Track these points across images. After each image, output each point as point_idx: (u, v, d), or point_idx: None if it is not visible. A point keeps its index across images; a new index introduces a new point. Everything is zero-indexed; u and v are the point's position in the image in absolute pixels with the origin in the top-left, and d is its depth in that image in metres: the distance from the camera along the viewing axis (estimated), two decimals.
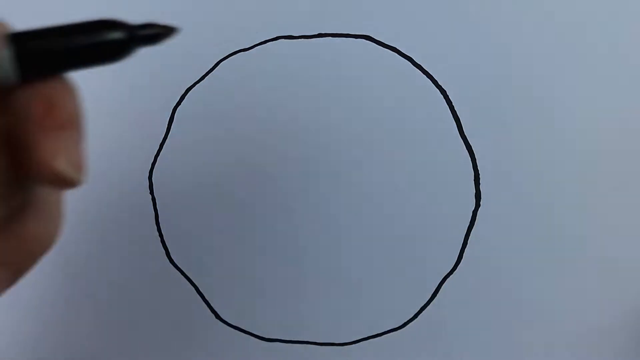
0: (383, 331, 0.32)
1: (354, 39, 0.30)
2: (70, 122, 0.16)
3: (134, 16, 0.32)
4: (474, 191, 0.31)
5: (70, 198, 0.20)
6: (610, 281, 0.31)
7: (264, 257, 0.32)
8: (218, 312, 0.33)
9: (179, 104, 0.32)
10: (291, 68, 0.31)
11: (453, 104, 0.30)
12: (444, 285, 0.32)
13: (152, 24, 0.19)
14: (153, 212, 0.32)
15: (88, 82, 0.32)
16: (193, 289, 0.32)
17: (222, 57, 0.31)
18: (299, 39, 0.31)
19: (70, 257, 0.32)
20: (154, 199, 0.32)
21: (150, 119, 0.32)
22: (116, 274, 0.32)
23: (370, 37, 0.30)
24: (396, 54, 0.30)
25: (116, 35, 0.18)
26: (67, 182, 0.16)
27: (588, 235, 0.31)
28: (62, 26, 0.17)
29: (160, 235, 0.32)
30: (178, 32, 0.20)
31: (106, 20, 0.18)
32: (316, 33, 0.31)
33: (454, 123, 0.30)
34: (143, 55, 0.33)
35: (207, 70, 0.32)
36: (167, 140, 0.32)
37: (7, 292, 0.18)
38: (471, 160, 0.31)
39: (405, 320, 0.32)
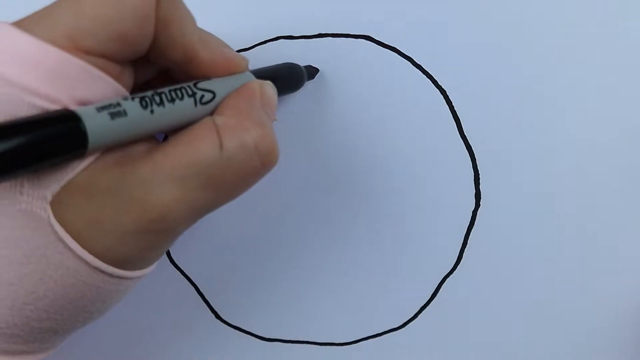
0: (383, 331, 0.32)
1: (354, 39, 0.30)
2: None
3: None
4: (474, 191, 0.31)
5: None
6: (610, 281, 0.31)
7: (264, 257, 0.32)
8: (218, 312, 0.33)
9: None
10: None
11: (453, 104, 0.30)
12: (444, 285, 0.32)
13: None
14: None
15: None
16: (193, 289, 0.32)
17: None
18: (299, 39, 0.31)
19: None
20: None
21: None
22: None
23: (370, 37, 0.30)
24: (396, 54, 0.30)
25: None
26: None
27: (588, 235, 0.31)
28: None
29: None
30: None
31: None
32: (316, 33, 0.31)
33: (454, 123, 0.30)
34: None
35: None
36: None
37: None
38: (471, 160, 0.31)
39: (405, 320, 0.32)
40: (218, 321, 0.33)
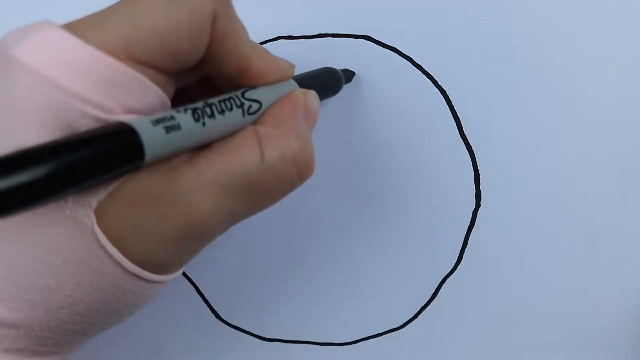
0: (383, 331, 0.32)
1: (354, 39, 0.30)
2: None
3: None
4: (474, 191, 0.31)
5: None
6: (610, 281, 0.31)
7: (264, 257, 0.32)
8: (218, 312, 0.33)
9: None
10: None
11: (453, 104, 0.30)
12: (444, 285, 0.32)
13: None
14: None
15: None
16: (193, 289, 0.32)
17: None
18: (299, 39, 0.31)
19: None
20: None
21: None
22: None
23: (370, 37, 0.30)
24: (396, 54, 0.30)
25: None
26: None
27: (588, 235, 0.31)
28: None
29: None
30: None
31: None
32: (316, 33, 0.31)
33: (454, 123, 0.30)
34: None
35: None
36: None
37: None
38: (471, 160, 0.31)
39: (405, 320, 0.32)
40: (218, 321, 0.33)
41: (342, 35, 0.30)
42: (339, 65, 0.30)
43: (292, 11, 0.31)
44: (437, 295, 0.32)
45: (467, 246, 0.31)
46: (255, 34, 0.31)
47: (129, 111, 0.18)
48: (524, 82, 0.30)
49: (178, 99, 0.21)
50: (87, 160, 0.16)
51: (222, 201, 0.19)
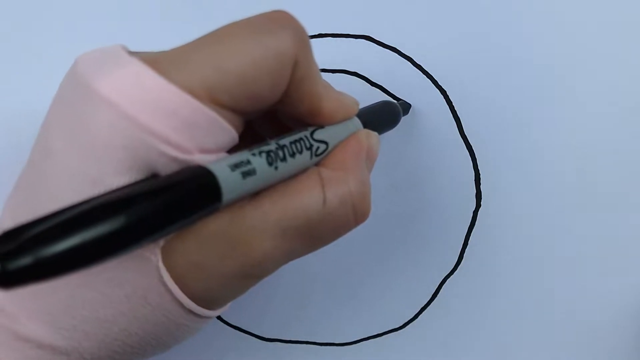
0: (383, 331, 0.32)
1: (354, 39, 0.30)
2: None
3: (136, 16, 0.32)
4: (475, 191, 0.31)
5: None
6: (610, 281, 0.31)
7: None
8: None
9: None
10: None
11: (453, 104, 0.30)
12: (444, 285, 0.32)
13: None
14: None
15: None
16: None
17: None
18: None
19: None
20: None
21: None
22: None
23: (370, 37, 0.30)
24: (396, 54, 0.30)
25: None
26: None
27: (588, 235, 0.31)
28: None
29: None
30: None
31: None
32: (316, 33, 0.31)
33: (454, 123, 0.30)
34: None
35: None
36: None
37: None
38: (471, 160, 0.31)
39: (406, 321, 0.32)
40: (218, 321, 0.33)
41: (342, 35, 0.31)
42: (340, 65, 0.30)
43: (292, 11, 0.31)
44: (438, 295, 0.32)
45: (467, 246, 0.31)
46: None
47: (203, 150, 0.18)
48: (524, 82, 0.30)
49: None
50: (168, 208, 0.16)
51: (281, 242, 0.20)
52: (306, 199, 0.20)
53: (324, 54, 0.31)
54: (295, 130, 0.21)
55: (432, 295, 0.32)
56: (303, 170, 0.21)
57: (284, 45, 0.19)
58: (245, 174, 0.18)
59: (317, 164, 0.22)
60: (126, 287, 0.18)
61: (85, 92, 0.18)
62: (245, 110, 0.19)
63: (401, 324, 0.32)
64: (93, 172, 0.17)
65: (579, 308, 0.31)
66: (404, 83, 0.30)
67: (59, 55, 0.31)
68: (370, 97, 0.31)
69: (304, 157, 0.21)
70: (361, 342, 0.32)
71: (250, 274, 0.20)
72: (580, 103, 0.30)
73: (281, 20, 0.20)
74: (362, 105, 0.24)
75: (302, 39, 0.20)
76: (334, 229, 0.21)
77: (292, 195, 0.20)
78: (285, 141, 0.20)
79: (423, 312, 0.32)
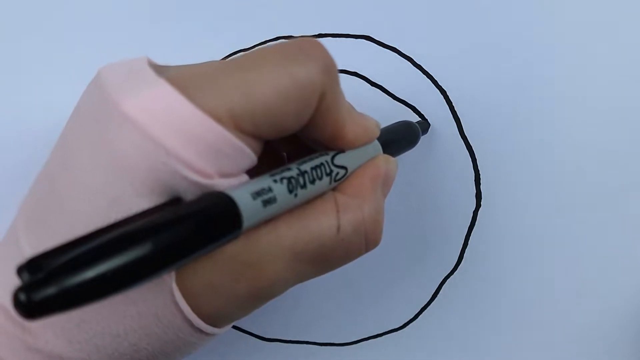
0: (383, 331, 0.32)
1: (354, 39, 0.30)
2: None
3: (135, 16, 0.32)
4: (475, 191, 0.31)
5: None
6: (610, 281, 0.31)
7: None
8: None
9: None
10: None
11: (453, 104, 0.30)
12: (444, 285, 0.32)
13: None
14: None
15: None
16: None
17: (222, 57, 0.31)
18: None
19: None
20: None
21: None
22: None
23: (370, 37, 0.30)
24: (396, 54, 0.30)
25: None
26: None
27: (588, 235, 0.31)
28: None
29: None
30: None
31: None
32: (316, 33, 0.31)
33: (454, 123, 0.30)
34: (143, 55, 0.33)
35: None
36: None
37: None
38: (471, 160, 0.31)
39: (406, 321, 0.32)
40: None
41: (342, 35, 0.31)
42: (340, 65, 0.30)
43: (292, 11, 0.31)
44: (438, 295, 0.32)
45: (467, 246, 0.31)
46: (256, 34, 0.31)
47: (223, 175, 0.18)
48: (524, 82, 0.30)
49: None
50: (192, 237, 0.16)
51: (294, 266, 0.20)
52: (321, 225, 0.20)
53: None
54: (315, 154, 0.21)
55: (432, 295, 0.32)
56: (321, 195, 0.21)
57: (312, 77, 0.19)
58: (266, 202, 0.18)
59: (333, 188, 0.22)
60: (139, 304, 0.18)
61: (110, 109, 0.17)
62: (267, 137, 0.19)
63: (401, 324, 0.32)
64: (114, 192, 0.17)
65: (579, 308, 0.31)
66: (404, 83, 0.30)
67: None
68: (370, 97, 0.31)
69: (323, 183, 0.21)
70: (361, 342, 0.32)
71: (261, 295, 0.20)
72: (581, 102, 0.30)
73: (311, 51, 0.19)
74: (378, 117, 0.24)
75: (330, 71, 0.20)
76: (345, 256, 0.21)
77: (308, 220, 0.20)
78: (307, 167, 0.20)
79: (423, 312, 0.32)
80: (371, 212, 0.21)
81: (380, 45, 0.30)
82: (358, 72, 0.31)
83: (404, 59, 0.30)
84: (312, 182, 0.20)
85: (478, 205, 0.31)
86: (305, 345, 0.33)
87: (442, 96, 0.30)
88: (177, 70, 0.19)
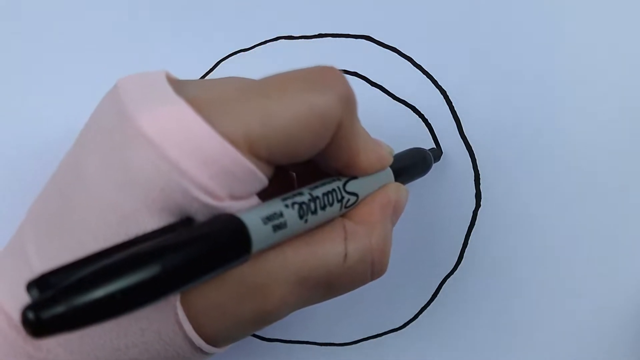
0: (383, 331, 0.32)
1: (354, 39, 0.30)
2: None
3: (135, 16, 0.32)
4: (474, 191, 0.31)
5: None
6: (610, 281, 0.31)
7: None
8: None
9: None
10: (291, 68, 0.31)
11: (453, 104, 0.30)
12: (444, 285, 0.32)
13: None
14: None
15: (91, 84, 0.32)
16: None
17: (222, 57, 0.31)
18: (299, 39, 0.31)
19: None
20: None
21: None
22: None
23: (370, 37, 0.30)
24: (396, 54, 0.30)
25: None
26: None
27: (588, 235, 0.31)
28: None
29: None
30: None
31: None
32: (316, 33, 0.31)
33: (454, 123, 0.30)
34: (144, 55, 0.33)
35: (207, 70, 0.32)
36: None
37: None
38: (471, 160, 0.31)
39: (406, 321, 0.32)
40: None
41: (342, 35, 0.31)
42: (340, 65, 0.30)
43: (292, 11, 0.31)
44: (438, 295, 0.32)
45: (467, 246, 0.31)
46: (255, 34, 0.31)
47: (234, 197, 0.18)
48: (524, 82, 0.30)
49: None
50: (202, 261, 0.16)
51: (299, 291, 0.20)
52: (328, 251, 0.20)
53: (324, 54, 0.31)
54: (327, 179, 0.21)
55: (432, 295, 0.32)
56: (330, 221, 0.21)
57: (330, 107, 0.19)
58: (276, 227, 0.18)
59: (342, 215, 0.22)
60: (143, 321, 0.18)
61: (127, 125, 0.17)
62: (280, 162, 0.19)
63: (401, 324, 0.32)
64: (125, 208, 0.17)
65: (578, 308, 0.31)
66: (404, 83, 0.30)
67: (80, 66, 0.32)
68: (370, 97, 0.31)
69: (334, 209, 0.21)
70: (361, 342, 0.32)
71: (264, 319, 0.20)
72: (581, 103, 0.30)
73: (331, 80, 0.20)
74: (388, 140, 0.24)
75: (349, 101, 0.20)
76: (350, 284, 0.21)
77: (315, 246, 0.20)
78: (319, 192, 0.20)
79: (423, 312, 0.32)
80: (379, 242, 0.21)
81: (380, 45, 0.30)
82: (358, 72, 0.31)
83: (404, 59, 0.30)
84: (323, 208, 0.20)
85: (478, 205, 0.31)
86: (305, 345, 0.33)
87: (442, 96, 0.30)
88: (196, 88, 0.19)
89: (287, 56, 0.30)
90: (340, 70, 0.20)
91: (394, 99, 0.30)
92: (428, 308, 0.32)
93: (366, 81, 0.31)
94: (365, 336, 0.32)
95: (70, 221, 0.18)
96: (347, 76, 0.30)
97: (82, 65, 0.32)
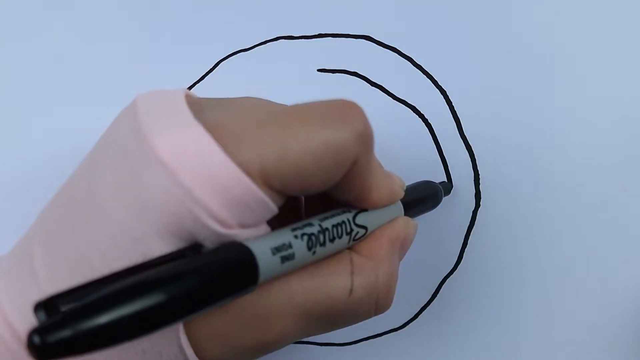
0: (383, 331, 0.32)
1: (354, 39, 0.30)
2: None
3: (135, 16, 0.32)
4: (474, 191, 0.31)
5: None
6: (610, 281, 0.31)
7: None
8: None
9: None
10: (291, 68, 0.31)
11: (453, 104, 0.30)
12: (444, 285, 0.32)
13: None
14: None
15: (93, 84, 0.32)
16: None
17: (222, 57, 0.31)
18: (299, 39, 0.31)
19: None
20: None
21: None
22: None
23: (370, 37, 0.30)
24: (396, 54, 0.30)
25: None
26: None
27: (588, 235, 0.31)
28: None
29: None
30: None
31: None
32: (316, 33, 0.31)
33: (454, 123, 0.30)
34: (143, 55, 0.33)
35: (207, 70, 0.32)
36: None
37: None
38: (471, 160, 0.31)
39: (406, 321, 0.32)
40: None
41: (342, 35, 0.31)
42: (340, 66, 0.30)
43: (292, 11, 0.31)
44: (437, 295, 0.32)
45: (467, 246, 0.31)
46: (255, 34, 0.31)
47: (243, 225, 0.18)
48: (524, 82, 0.30)
49: None
50: (209, 290, 0.16)
51: (302, 322, 0.20)
52: (334, 285, 0.20)
53: (324, 54, 0.31)
54: (337, 210, 0.21)
55: (432, 295, 0.32)
56: (337, 253, 0.21)
57: (347, 144, 0.19)
58: (284, 259, 0.18)
59: (350, 247, 0.22)
60: (145, 342, 0.18)
61: (142, 146, 0.17)
62: (292, 194, 0.19)
63: (401, 324, 0.32)
64: (136, 231, 0.17)
65: (578, 308, 0.31)
66: (404, 83, 0.30)
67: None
68: (370, 97, 0.31)
69: (342, 242, 0.21)
70: (361, 342, 0.32)
71: (266, 348, 0.20)
72: (581, 103, 0.30)
73: (350, 116, 0.19)
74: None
75: (367, 138, 0.20)
76: (353, 318, 0.21)
77: (321, 278, 0.20)
78: (328, 224, 0.20)
79: (423, 312, 0.32)
80: (385, 277, 0.21)
81: (380, 45, 0.30)
82: (358, 72, 0.31)
83: (404, 59, 0.30)
84: (332, 240, 0.20)
85: (477, 205, 0.31)
86: (305, 345, 0.33)
87: (442, 96, 0.30)
88: (214, 111, 0.19)
89: (287, 56, 0.30)
90: (359, 106, 0.20)
91: (394, 99, 0.30)
92: (428, 308, 0.32)
93: (366, 81, 0.31)
94: (365, 336, 0.32)
95: (80, 237, 0.18)
96: (347, 76, 0.31)
97: (85, 66, 0.32)
